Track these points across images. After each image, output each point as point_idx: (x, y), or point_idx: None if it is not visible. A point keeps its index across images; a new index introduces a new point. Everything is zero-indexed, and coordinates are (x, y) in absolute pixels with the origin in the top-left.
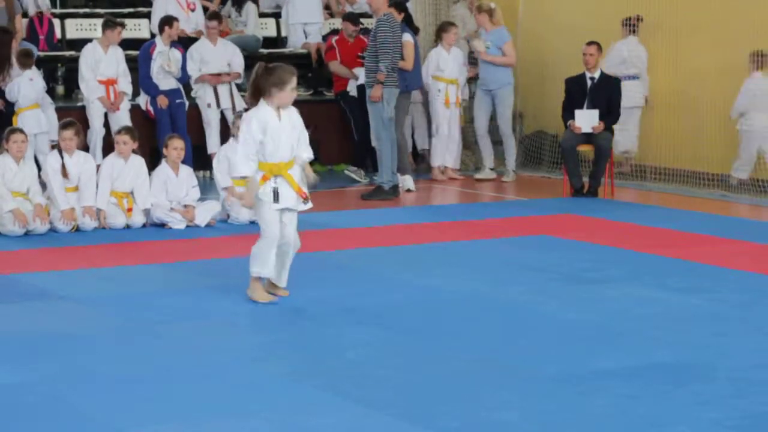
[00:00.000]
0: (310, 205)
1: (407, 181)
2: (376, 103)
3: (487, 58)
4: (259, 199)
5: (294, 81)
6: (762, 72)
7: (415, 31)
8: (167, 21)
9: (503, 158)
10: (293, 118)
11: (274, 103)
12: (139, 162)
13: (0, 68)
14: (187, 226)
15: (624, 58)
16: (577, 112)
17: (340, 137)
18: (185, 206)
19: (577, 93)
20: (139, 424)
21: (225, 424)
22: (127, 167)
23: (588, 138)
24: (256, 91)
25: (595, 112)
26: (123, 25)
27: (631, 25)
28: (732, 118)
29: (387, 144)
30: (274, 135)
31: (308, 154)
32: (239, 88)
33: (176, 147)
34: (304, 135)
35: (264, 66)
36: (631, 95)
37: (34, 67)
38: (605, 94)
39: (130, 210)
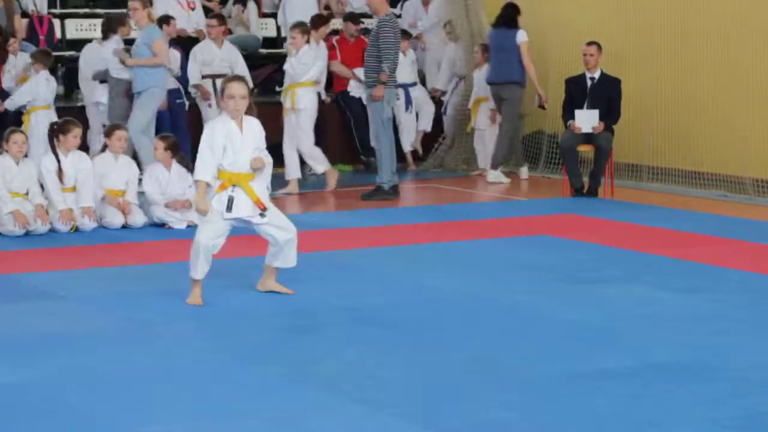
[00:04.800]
0: (266, 219)
1: (500, 176)
2: (375, 103)
3: (133, 62)
4: (211, 205)
5: (232, 88)
6: (488, 63)
7: None
8: (164, 20)
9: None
10: (255, 130)
11: (227, 113)
12: (128, 161)
13: None
14: (188, 226)
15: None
16: (577, 112)
17: (341, 137)
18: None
19: (577, 93)
20: (139, 424)
21: (224, 424)
22: (118, 165)
23: (588, 138)
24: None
25: (595, 112)
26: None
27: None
28: (469, 107)
29: (386, 144)
30: (235, 145)
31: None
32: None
33: (157, 147)
34: (263, 140)
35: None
36: None
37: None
38: (605, 94)
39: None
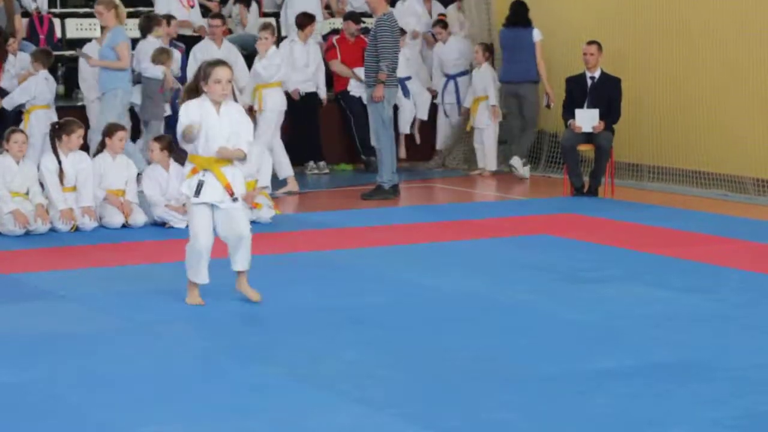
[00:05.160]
0: (238, 204)
1: (521, 166)
2: (376, 102)
3: (96, 63)
4: (185, 198)
5: (219, 73)
6: (487, 62)
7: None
8: (165, 19)
9: None
10: (233, 115)
11: (209, 97)
12: (126, 160)
13: None
14: (188, 225)
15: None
16: (578, 112)
17: (341, 136)
18: (184, 204)
19: (577, 92)
20: (139, 425)
21: (224, 424)
22: (115, 165)
23: (588, 137)
24: (192, 89)
25: (595, 112)
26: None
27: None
28: (466, 106)
29: (387, 143)
30: (210, 129)
31: (245, 147)
32: None
33: (152, 149)
34: (246, 129)
35: (204, 61)
36: None
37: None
38: (605, 94)
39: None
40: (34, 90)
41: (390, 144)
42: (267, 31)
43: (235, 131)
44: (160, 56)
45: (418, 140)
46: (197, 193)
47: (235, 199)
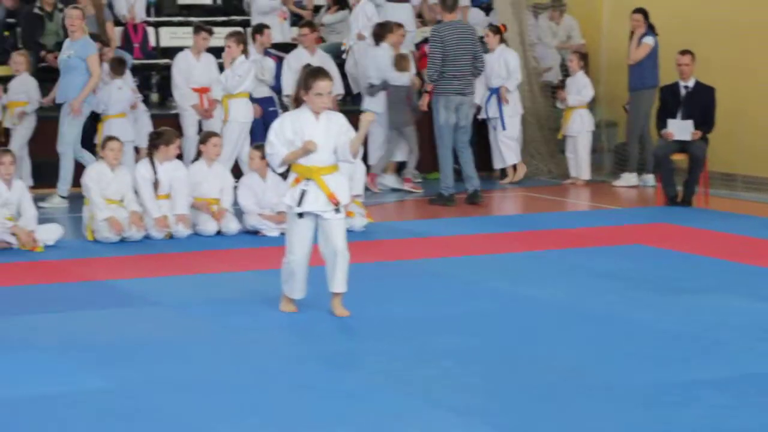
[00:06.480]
0: (340, 216)
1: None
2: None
3: (80, 100)
4: (287, 209)
5: (320, 86)
6: (582, 71)
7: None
8: (258, 29)
9: None
10: (334, 122)
11: (309, 108)
12: (222, 169)
13: None
14: (281, 234)
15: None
16: (670, 122)
17: (432, 145)
18: (278, 213)
19: (671, 102)
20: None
21: (316, 431)
22: (211, 173)
23: (682, 147)
24: (297, 94)
25: (689, 123)
26: (209, 31)
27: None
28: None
29: (442, 150)
30: (308, 137)
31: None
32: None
33: (252, 157)
34: (350, 137)
35: (304, 68)
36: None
37: (127, 75)
38: (700, 103)
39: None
40: (107, 100)
41: (447, 151)
42: (231, 40)
43: (342, 141)
44: (402, 62)
45: None
46: (300, 202)
47: (337, 210)
